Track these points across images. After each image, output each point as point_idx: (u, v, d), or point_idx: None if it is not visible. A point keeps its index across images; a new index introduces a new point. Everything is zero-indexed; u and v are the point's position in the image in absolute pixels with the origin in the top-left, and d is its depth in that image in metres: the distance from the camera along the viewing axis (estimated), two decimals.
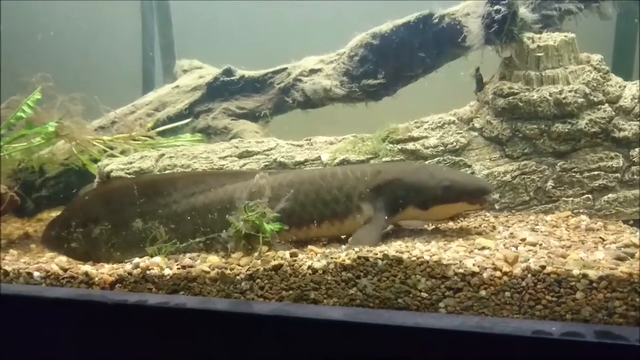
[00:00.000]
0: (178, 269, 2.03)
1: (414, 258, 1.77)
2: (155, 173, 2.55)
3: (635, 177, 2.34)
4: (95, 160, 2.83)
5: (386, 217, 2.14)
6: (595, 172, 2.36)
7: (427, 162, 2.47)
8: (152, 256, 2.15)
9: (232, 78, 3.25)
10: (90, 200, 2.41)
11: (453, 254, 1.82)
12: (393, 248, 1.88)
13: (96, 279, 2.08)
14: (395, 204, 2.14)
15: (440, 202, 2.11)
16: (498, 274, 1.68)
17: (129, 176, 2.54)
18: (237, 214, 2.02)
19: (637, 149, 2.35)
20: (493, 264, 1.72)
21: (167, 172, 2.54)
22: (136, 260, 2.12)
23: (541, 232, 2.09)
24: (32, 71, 2.87)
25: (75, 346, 1.98)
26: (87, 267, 2.17)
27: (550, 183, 2.39)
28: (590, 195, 2.36)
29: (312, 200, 2.18)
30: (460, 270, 1.71)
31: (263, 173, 2.15)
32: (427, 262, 1.75)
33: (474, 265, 1.72)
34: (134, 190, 2.30)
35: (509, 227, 2.21)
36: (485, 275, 1.69)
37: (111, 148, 2.87)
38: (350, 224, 2.18)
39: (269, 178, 2.09)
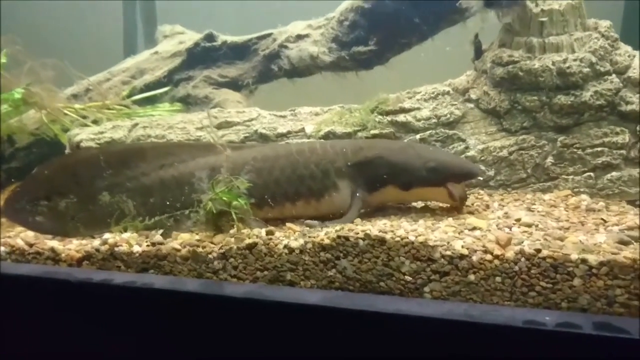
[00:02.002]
0: (147, 246, 1.95)
1: (398, 238, 1.65)
2: (126, 143, 2.40)
3: None
4: (67, 130, 2.68)
5: (364, 197, 2.01)
6: (599, 149, 2.23)
7: (417, 138, 2.32)
8: (124, 230, 2.06)
9: (213, 44, 3.06)
10: (53, 171, 2.27)
11: (441, 234, 1.70)
12: (376, 227, 1.76)
13: (63, 255, 2.01)
14: (375, 182, 2.00)
15: (424, 184, 1.98)
16: (489, 257, 1.57)
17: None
18: (207, 191, 1.88)
19: None
20: (484, 246, 1.61)
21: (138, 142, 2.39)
22: (105, 236, 2.04)
23: (538, 212, 1.98)
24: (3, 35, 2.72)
25: (39, 326, 1.89)
26: (53, 243, 2.08)
27: (549, 159, 2.26)
28: (592, 173, 2.23)
29: (287, 176, 2.05)
30: (448, 253, 1.60)
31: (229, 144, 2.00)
32: (412, 243, 1.63)
33: (462, 247, 1.61)
34: (100, 161, 2.16)
35: (503, 206, 2.09)
36: (474, 258, 1.58)
37: (84, 117, 2.72)
38: (327, 203, 2.05)
39: (242, 152, 1.95)
